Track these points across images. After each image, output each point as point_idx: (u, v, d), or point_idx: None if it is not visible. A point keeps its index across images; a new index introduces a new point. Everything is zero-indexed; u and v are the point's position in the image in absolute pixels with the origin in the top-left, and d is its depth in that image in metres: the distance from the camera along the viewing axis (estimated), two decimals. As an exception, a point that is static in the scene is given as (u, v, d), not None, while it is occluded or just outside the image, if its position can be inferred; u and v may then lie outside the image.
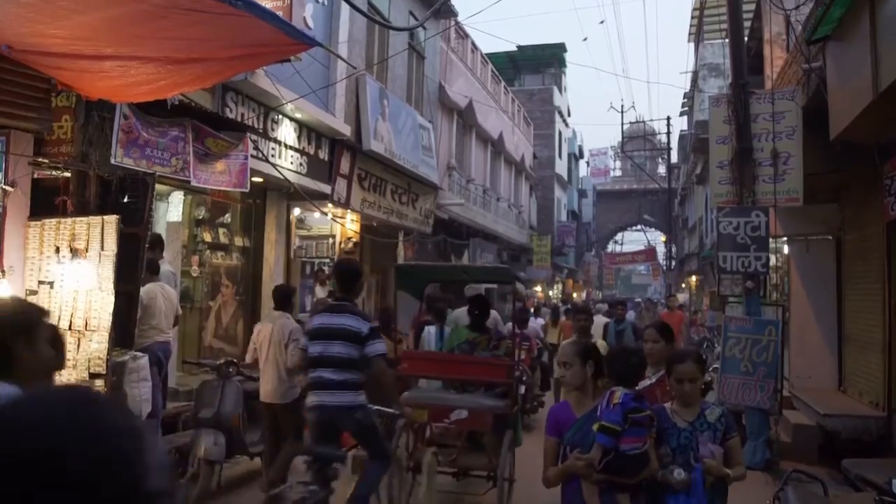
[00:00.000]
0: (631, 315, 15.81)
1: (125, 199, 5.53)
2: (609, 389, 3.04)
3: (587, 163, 48.45)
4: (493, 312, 7.73)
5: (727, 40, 8.57)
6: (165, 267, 6.92)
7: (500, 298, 17.43)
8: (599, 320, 9.54)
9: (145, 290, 5.98)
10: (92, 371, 4.93)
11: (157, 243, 6.51)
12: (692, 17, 26.38)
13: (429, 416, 5.69)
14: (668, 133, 33.54)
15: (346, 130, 10.38)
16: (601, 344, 5.86)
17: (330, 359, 4.64)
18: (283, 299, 6.16)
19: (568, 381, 3.28)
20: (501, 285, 12.88)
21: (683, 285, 33.18)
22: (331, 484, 4.55)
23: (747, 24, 11.51)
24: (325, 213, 10.44)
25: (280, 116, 8.93)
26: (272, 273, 9.75)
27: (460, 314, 7.95)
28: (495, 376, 5.49)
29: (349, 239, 11.75)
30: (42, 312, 2.05)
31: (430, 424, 5.74)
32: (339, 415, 4.63)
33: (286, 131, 9.14)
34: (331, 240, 11.35)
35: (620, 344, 7.89)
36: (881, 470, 5.13)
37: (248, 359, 6.07)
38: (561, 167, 33.54)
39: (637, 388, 3.16)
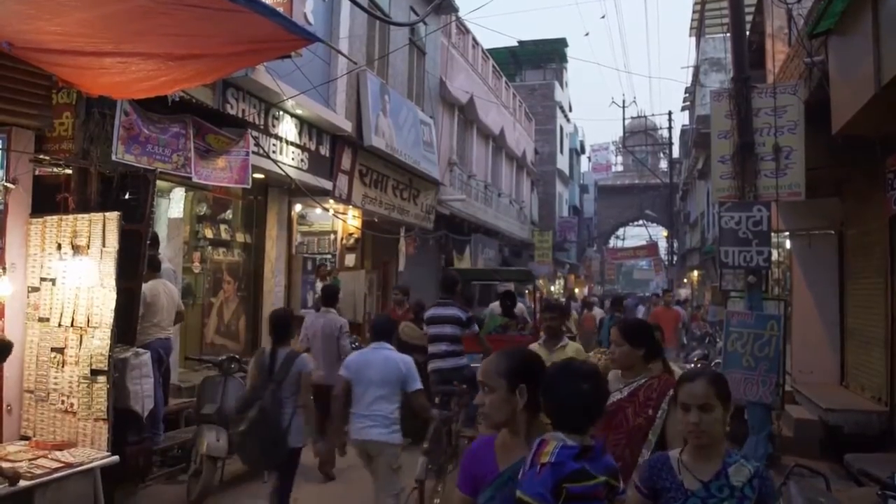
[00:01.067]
0: (640, 311, 15.56)
1: (126, 196, 5.52)
2: (540, 436, 1.94)
3: (588, 158, 48.42)
4: (520, 304, 10.36)
5: (729, 34, 8.55)
6: (166, 265, 6.93)
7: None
8: (597, 313, 9.67)
9: (148, 287, 6.00)
10: (94, 367, 4.94)
11: (153, 240, 6.52)
12: (693, 12, 26.31)
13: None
14: (670, 128, 33.56)
15: (347, 126, 10.38)
16: (574, 347, 5.24)
17: (444, 336, 6.88)
18: (332, 298, 7.20)
19: (487, 414, 2.14)
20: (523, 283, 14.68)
21: (685, 280, 33.20)
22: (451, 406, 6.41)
23: (749, 18, 11.47)
24: (327, 209, 10.44)
25: (281, 112, 8.92)
26: (273, 269, 9.76)
27: (494, 306, 10.39)
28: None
29: (350, 235, 11.75)
30: None
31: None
32: (451, 374, 6.71)
33: (287, 127, 9.14)
34: (332, 236, 11.36)
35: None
36: (884, 465, 5.14)
37: (300, 347, 6.54)
38: (562, 162, 33.51)
39: (590, 428, 1.99)
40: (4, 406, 5.18)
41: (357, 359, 4.78)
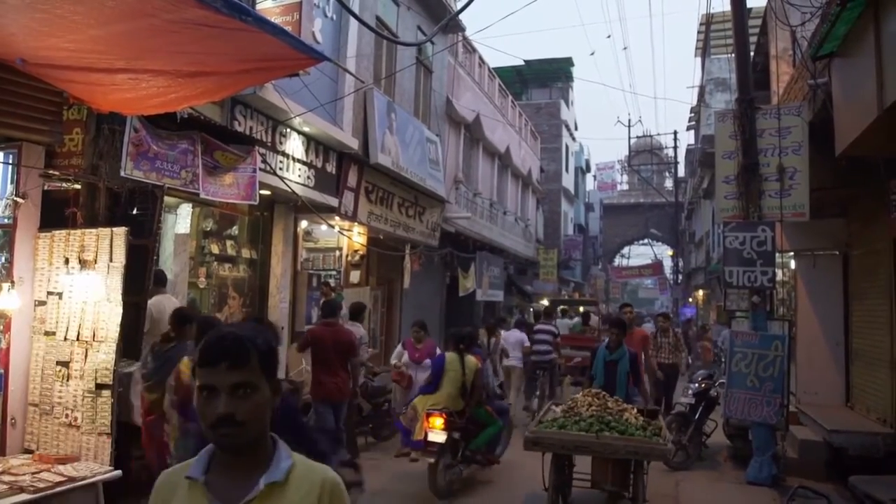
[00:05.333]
0: (649, 327, 14.73)
1: (134, 211, 5.58)
2: None
3: (594, 176, 48.45)
4: (594, 317, 16.98)
5: (733, 55, 8.61)
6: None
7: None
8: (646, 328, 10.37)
9: (154, 303, 6.02)
10: (99, 382, 4.97)
11: (161, 280, 6.56)
12: (699, 32, 26.46)
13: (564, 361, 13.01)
14: (675, 147, 33.66)
15: (354, 144, 10.44)
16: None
17: (543, 340, 11.85)
18: (358, 313, 8.68)
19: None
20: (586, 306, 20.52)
21: (690, 299, 33.08)
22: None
23: (753, 39, 11.55)
24: (332, 226, 10.48)
25: (288, 130, 8.99)
26: (279, 285, 9.78)
27: (578, 321, 17.92)
28: (590, 343, 12.35)
29: (356, 251, 11.79)
30: None
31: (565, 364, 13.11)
32: (545, 365, 11.73)
33: (294, 144, 9.20)
34: (337, 252, 11.39)
35: (612, 381, 6.86)
36: (889, 487, 5.11)
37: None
38: (568, 181, 33.57)
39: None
40: (9, 419, 5.20)
41: None
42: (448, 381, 6.89)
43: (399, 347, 9.27)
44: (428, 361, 8.37)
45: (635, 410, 5.86)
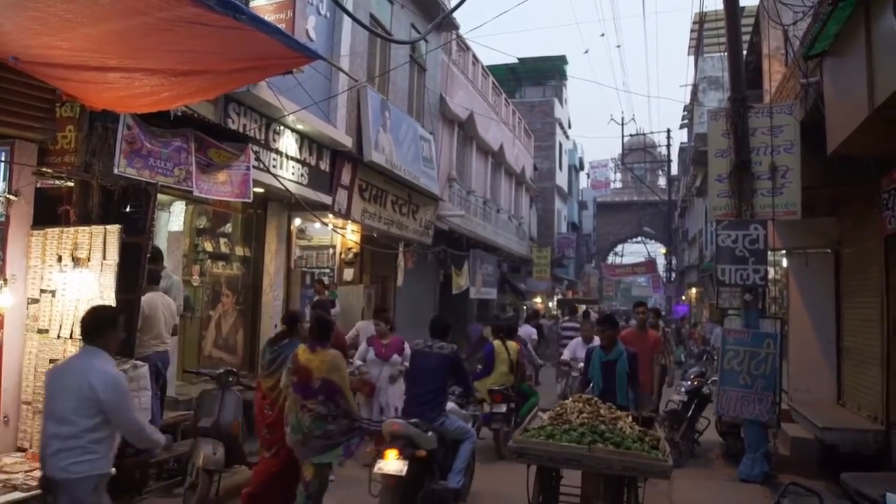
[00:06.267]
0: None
1: (127, 209, 5.56)
2: None
3: (587, 174, 48.59)
4: (593, 314, 14.49)
5: (726, 54, 8.64)
6: (175, 278, 6.97)
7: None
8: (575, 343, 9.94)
9: (146, 300, 6.00)
10: (92, 380, 4.95)
11: (158, 256, 6.56)
12: (692, 31, 26.55)
13: None
14: (669, 145, 33.69)
15: (348, 142, 10.44)
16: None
17: (568, 336, 12.39)
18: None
19: None
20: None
21: (683, 297, 33.20)
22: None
23: (746, 38, 11.59)
24: (326, 224, 10.48)
25: (282, 127, 8.99)
26: (272, 283, 9.78)
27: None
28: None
29: (349, 249, 11.79)
30: None
31: None
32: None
33: (288, 142, 9.20)
34: (331, 250, 11.39)
35: (611, 385, 6.42)
36: (879, 484, 5.13)
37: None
38: (561, 179, 33.61)
39: None
40: (1, 417, 5.19)
41: None
42: (499, 363, 8.61)
43: (363, 346, 8.00)
44: (397, 357, 7.59)
45: (630, 418, 5.33)
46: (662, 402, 8.98)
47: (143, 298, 5.86)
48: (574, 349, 9.66)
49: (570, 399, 5.51)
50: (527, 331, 13.58)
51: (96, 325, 3.65)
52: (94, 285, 5.07)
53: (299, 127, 9.28)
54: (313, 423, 4.95)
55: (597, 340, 7.56)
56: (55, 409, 3.51)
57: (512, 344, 8.79)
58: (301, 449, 5.02)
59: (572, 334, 12.52)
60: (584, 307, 21.60)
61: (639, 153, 39.97)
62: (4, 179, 5.39)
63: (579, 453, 4.64)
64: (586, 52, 24.31)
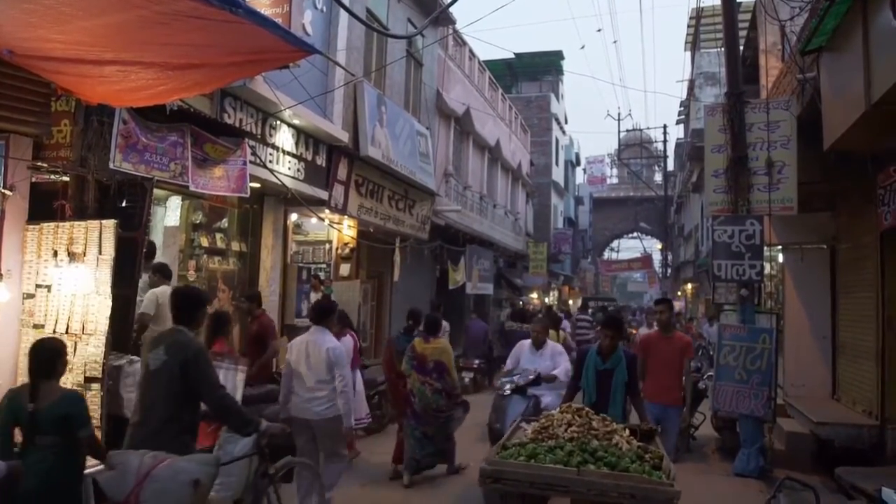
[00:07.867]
0: (644, 330, 12.53)
1: (123, 204, 5.55)
2: None
3: (584, 170, 48.56)
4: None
5: (723, 50, 8.65)
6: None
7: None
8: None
9: (160, 293, 6.24)
10: (88, 375, 4.94)
11: (151, 250, 6.61)
12: (689, 26, 26.53)
13: None
14: (665, 141, 33.78)
15: (344, 137, 10.41)
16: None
17: (583, 326, 15.96)
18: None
19: None
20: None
21: (679, 293, 33.27)
22: None
23: (743, 33, 11.59)
24: (322, 219, 10.46)
25: (278, 122, 8.96)
26: (269, 278, 9.76)
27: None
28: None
29: (346, 245, 11.77)
30: None
31: None
32: (588, 340, 13.67)
33: (284, 137, 9.17)
34: (327, 245, 11.37)
35: (604, 397, 5.53)
36: (874, 478, 5.17)
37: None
38: (558, 174, 33.62)
39: None
40: (-3, 412, 5.16)
41: None
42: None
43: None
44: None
45: (628, 432, 4.59)
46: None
47: (155, 291, 6.31)
48: (518, 356, 7.11)
49: (559, 409, 4.85)
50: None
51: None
52: (90, 280, 5.06)
53: (296, 122, 9.25)
54: (433, 395, 6.90)
55: (551, 345, 7.06)
56: None
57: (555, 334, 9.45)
58: (423, 416, 6.92)
59: (585, 324, 12.64)
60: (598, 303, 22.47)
61: (635, 149, 39.98)
62: (-1, 174, 5.36)
63: (567, 477, 3.86)
64: (582, 47, 24.28)
